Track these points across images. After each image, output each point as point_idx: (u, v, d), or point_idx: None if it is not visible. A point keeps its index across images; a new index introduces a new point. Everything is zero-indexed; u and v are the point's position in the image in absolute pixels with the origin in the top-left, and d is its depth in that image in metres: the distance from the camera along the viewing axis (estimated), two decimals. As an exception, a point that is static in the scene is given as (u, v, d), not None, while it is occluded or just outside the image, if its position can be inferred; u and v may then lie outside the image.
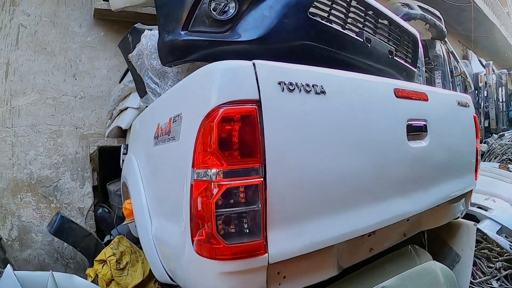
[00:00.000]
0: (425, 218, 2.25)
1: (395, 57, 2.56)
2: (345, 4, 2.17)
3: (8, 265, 2.08)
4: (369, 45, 2.26)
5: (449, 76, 7.45)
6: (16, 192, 3.88)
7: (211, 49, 1.87)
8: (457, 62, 8.58)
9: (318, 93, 1.51)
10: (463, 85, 8.76)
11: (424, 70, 6.79)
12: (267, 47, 1.85)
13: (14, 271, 2.03)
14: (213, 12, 1.91)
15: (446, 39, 7.96)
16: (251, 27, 1.86)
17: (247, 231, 1.28)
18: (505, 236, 3.15)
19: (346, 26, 2.18)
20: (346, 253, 1.72)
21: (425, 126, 2.14)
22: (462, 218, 2.85)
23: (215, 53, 1.85)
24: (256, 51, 1.83)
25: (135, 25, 2.90)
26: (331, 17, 2.11)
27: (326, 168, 1.51)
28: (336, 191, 1.55)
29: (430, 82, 7.44)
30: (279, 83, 1.39)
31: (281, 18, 1.86)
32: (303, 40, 1.94)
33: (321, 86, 1.52)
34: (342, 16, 2.14)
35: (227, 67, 1.36)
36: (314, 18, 1.97)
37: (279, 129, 1.37)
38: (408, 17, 6.42)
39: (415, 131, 2.06)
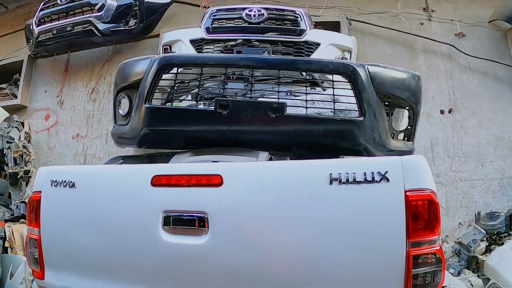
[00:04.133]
0: None
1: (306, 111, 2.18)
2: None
3: None
4: (224, 112, 2.09)
5: None
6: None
7: (126, 138, 2.50)
8: None
9: (70, 187, 1.95)
10: None
11: None
12: (133, 138, 2.40)
13: None
14: (119, 109, 2.54)
15: None
16: (129, 121, 2.43)
17: (35, 263, 2.04)
18: None
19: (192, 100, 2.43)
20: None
21: (202, 219, 1.71)
22: None
23: (129, 142, 2.56)
24: (133, 141, 2.45)
25: None
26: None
27: (74, 242, 1.94)
28: (81, 260, 1.94)
29: None
30: (51, 181, 2.01)
31: (133, 112, 2.36)
32: (146, 127, 2.25)
33: (73, 181, 1.95)
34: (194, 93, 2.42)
35: (38, 170, 2.14)
36: (151, 105, 2.24)
37: (48, 210, 2.01)
38: None
39: (185, 224, 1.75)
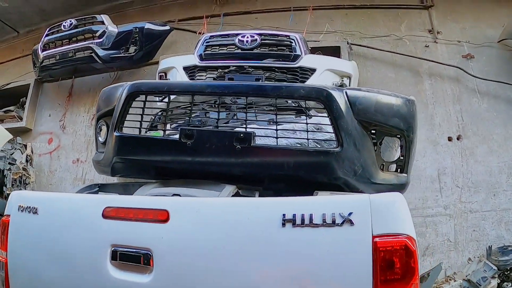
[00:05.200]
0: None
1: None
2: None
3: None
4: (189, 142, 2.00)
5: None
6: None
7: (102, 166, 2.46)
8: None
9: (34, 213, 1.95)
10: None
11: None
12: (106, 166, 2.36)
13: None
14: (99, 136, 2.56)
15: None
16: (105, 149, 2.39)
17: (2, 286, 1.99)
18: None
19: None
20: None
21: (147, 256, 1.63)
22: None
23: (105, 171, 2.48)
24: (107, 170, 2.41)
25: None
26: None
27: (35, 268, 1.91)
28: (44, 285, 1.89)
29: None
30: (18, 206, 2.00)
31: (106, 142, 2.33)
32: (116, 156, 2.22)
33: (37, 208, 1.94)
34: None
35: (11, 194, 2.17)
36: (120, 134, 2.19)
37: (15, 235, 2.00)
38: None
39: (130, 260, 1.68)
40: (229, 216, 1.61)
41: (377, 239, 1.43)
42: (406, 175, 2.55)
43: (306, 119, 2.06)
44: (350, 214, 1.46)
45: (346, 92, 2.08)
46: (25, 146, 5.45)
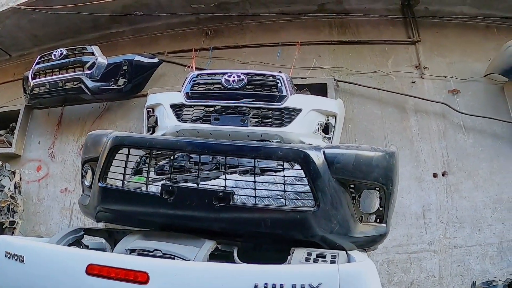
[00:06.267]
0: None
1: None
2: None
3: None
4: (170, 198, 2.03)
5: None
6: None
7: (87, 210, 2.51)
8: None
9: (20, 261, 1.96)
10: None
11: None
12: (91, 211, 2.39)
13: None
14: (84, 180, 2.65)
15: None
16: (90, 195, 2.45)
17: None
18: None
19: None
20: None
21: None
22: None
23: (90, 215, 2.51)
24: (92, 215, 2.43)
25: None
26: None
27: None
28: None
29: None
30: (5, 252, 2.03)
31: (92, 187, 2.39)
32: (99, 205, 2.27)
33: (23, 256, 1.97)
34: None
35: None
36: (104, 185, 2.24)
37: (3, 279, 2.01)
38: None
39: None
40: (204, 283, 1.66)
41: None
42: (385, 225, 2.57)
43: (284, 179, 2.09)
44: (319, 285, 1.51)
45: (324, 152, 2.11)
46: (14, 173, 5.44)
